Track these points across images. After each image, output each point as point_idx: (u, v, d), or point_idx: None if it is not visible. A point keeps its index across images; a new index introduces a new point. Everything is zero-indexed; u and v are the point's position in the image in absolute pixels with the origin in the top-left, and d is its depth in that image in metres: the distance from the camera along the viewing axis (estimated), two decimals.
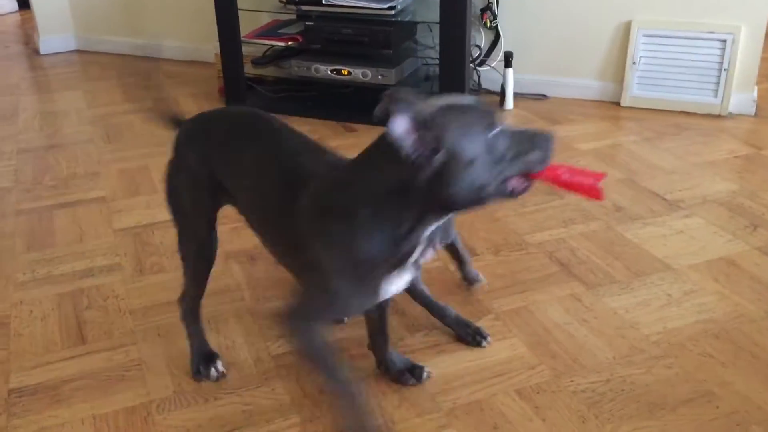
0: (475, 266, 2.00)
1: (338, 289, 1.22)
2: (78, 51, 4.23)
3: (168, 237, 2.21)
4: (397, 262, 1.21)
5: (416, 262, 1.25)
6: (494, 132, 1.10)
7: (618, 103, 3.18)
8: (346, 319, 1.78)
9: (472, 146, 1.08)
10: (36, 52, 4.23)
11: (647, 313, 1.81)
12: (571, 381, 1.59)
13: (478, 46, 3.29)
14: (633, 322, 1.78)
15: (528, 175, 1.16)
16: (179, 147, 1.56)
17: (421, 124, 1.06)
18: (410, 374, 1.59)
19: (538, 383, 1.59)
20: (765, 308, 1.81)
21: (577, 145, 2.81)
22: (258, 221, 1.42)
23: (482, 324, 1.78)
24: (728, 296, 1.86)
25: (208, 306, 1.87)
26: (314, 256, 1.21)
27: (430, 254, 1.61)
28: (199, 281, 1.60)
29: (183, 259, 1.59)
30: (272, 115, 1.48)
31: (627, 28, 3.09)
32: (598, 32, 3.16)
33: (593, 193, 1.18)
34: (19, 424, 1.51)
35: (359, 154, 1.19)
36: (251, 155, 1.39)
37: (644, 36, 3.06)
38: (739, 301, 1.84)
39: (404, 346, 1.71)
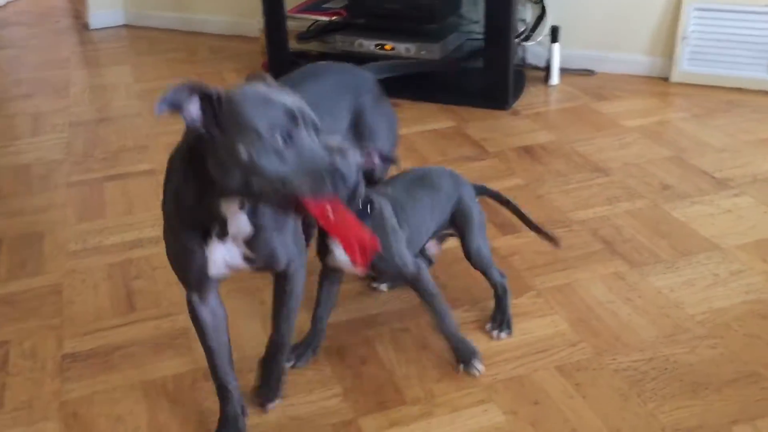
0: (517, 243, 1.99)
1: (166, 240, 1.34)
2: (126, 26, 4.29)
3: None
4: (210, 229, 1.24)
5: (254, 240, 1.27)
6: (283, 137, 1.07)
7: (667, 79, 3.11)
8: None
9: (247, 138, 1.07)
10: (86, 26, 4.31)
11: (693, 293, 1.79)
12: (613, 359, 1.58)
13: (524, 21, 3.24)
14: (678, 302, 1.76)
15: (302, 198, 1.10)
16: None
17: (211, 107, 1.09)
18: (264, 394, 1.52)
19: (579, 360, 1.59)
20: None
21: (623, 121, 2.77)
22: None
23: (523, 300, 1.78)
24: None
25: (252, 278, 1.91)
26: None
27: (435, 249, 1.67)
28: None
29: None
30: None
31: (678, 1, 3.01)
32: (648, 6, 3.08)
33: (353, 254, 1.14)
34: (72, 388, 1.57)
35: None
36: None
37: (696, 10, 2.98)
38: None
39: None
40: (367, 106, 1.69)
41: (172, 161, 1.28)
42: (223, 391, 1.43)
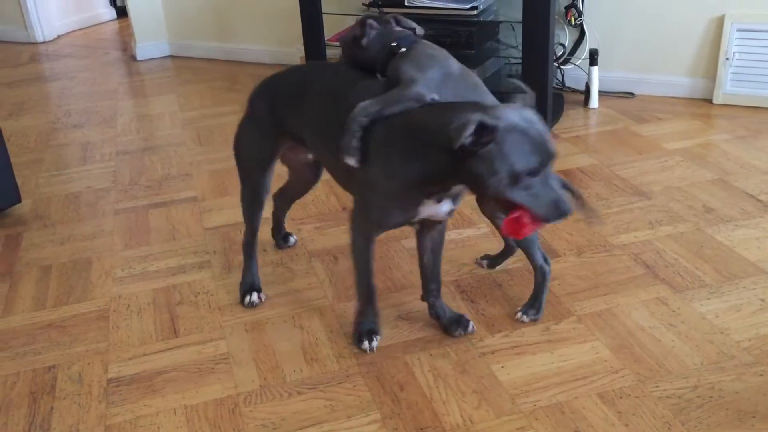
0: (557, 268, 1.98)
1: (382, 199, 1.54)
2: (171, 56, 4.42)
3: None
4: (429, 194, 1.51)
5: (451, 199, 1.55)
6: (534, 173, 1.33)
7: (710, 101, 3.06)
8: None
9: (503, 169, 1.33)
10: (133, 58, 4.44)
11: (738, 319, 1.75)
12: (656, 386, 1.55)
13: (562, 44, 3.24)
14: (723, 328, 1.72)
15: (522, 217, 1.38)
16: (250, 102, 1.85)
17: (483, 131, 1.31)
18: (457, 324, 1.75)
19: (621, 388, 1.56)
20: None
21: (665, 144, 2.73)
22: (325, 151, 1.67)
23: (563, 326, 1.76)
24: None
25: (292, 303, 1.93)
26: (370, 173, 1.51)
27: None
28: (253, 221, 1.94)
29: (242, 204, 1.94)
30: (334, 63, 1.77)
31: (719, 22, 2.98)
32: (688, 27, 3.05)
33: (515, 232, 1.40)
34: (117, 412, 1.60)
35: (435, 108, 1.46)
36: (320, 96, 1.66)
37: (738, 30, 2.94)
38: None
39: (483, 346, 1.71)
40: None
41: (416, 139, 1.45)
42: (371, 295, 1.72)
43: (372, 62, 1.63)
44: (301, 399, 1.60)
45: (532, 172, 1.33)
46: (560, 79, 3.29)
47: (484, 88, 1.60)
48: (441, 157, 1.39)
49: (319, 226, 2.33)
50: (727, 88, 3.02)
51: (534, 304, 1.79)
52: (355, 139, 1.49)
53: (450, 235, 2.22)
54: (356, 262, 1.69)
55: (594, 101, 3.14)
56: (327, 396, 1.60)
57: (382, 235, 2.22)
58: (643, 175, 2.51)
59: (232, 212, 2.46)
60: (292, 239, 2.23)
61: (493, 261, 2.03)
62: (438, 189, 1.49)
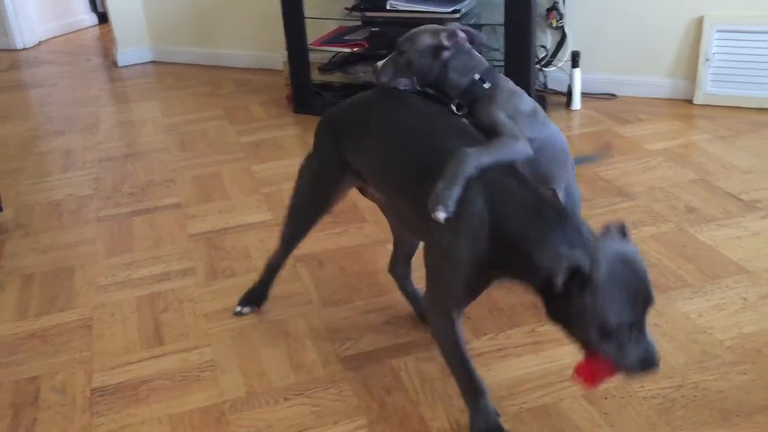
0: None
1: (461, 277, 1.33)
2: (153, 62, 4.39)
3: (239, 241, 2.28)
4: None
5: None
6: (629, 326, 1.18)
7: (690, 101, 3.09)
8: None
9: (596, 321, 1.17)
10: (114, 64, 4.42)
11: (721, 318, 1.76)
12: (641, 387, 1.56)
13: (544, 47, 3.26)
14: (706, 327, 1.73)
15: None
16: (316, 135, 1.67)
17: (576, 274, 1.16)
18: None
19: (606, 389, 1.57)
20: None
21: (647, 145, 2.75)
22: (396, 195, 1.48)
23: (549, 328, 1.77)
24: None
25: (276, 309, 1.93)
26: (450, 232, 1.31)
27: None
28: (289, 247, 1.83)
29: (284, 227, 1.80)
30: (411, 95, 1.52)
31: (699, 23, 3.01)
32: (668, 29, 3.08)
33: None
34: (101, 422, 1.59)
35: (528, 213, 1.27)
36: (390, 131, 1.46)
37: (718, 31, 2.97)
38: None
39: (469, 349, 1.71)
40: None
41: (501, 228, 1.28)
42: (479, 389, 1.44)
43: (447, 88, 1.47)
44: (288, 405, 1.59)
45: (627, 325, 1.18)
46: (543, 81, 3.31)
47: (544, 115, 1.54)
48: (527, 270, 1.24)
49: None
50: (708, 89, 3.05)
51: None
52: (457, 189, 1.29)
53: None
54: (445, 353, 1.44)
55: (576, 103, 3.16)
56: (313, 402, 1.59)
57: (369, 238, 2.24)
58: (626, 175, 2.52)
59: (217, 218, 2.45)
60: None
61: None
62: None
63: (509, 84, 1.50)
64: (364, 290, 1.99)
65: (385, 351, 1.73)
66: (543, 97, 3.23)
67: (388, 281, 2.02)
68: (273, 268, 1.89)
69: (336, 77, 3.42)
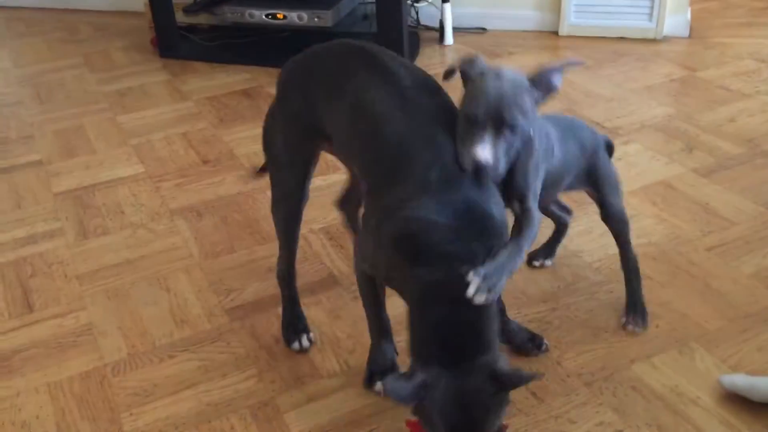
0: None
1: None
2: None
3: (110, 197, 2.17)
4: None
5: None
6: None
7: (556, 33, 3.18)
8: None
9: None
10: None
11: (589, 241, 1.86)
12: (519, 312, 1.63)
13: None
14: (576, 251, 1.83)
15: None
16: (280, 88, 1.47)
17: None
18: (531, 343, 1.53)
19: None
20: (700, 228, 1.88)
21: None
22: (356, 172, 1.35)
23: None
24: (666, 219, 1.92)
25: (156, 265, 1.86)
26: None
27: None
28: (289, 241, 1.55)
29: (274, 216, 1.55)
30: (383, 49, 1.34)
31: None
32: None
33: None
34: None
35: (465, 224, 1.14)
36: (364, 115, 1.26)
37: None
38: (676, 223, 1.90)
39: (354, 290, 1.72)
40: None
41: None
42: (386, 330, 1.44)
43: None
44: (173, 362, 1.56)
45: None
46: (415, 17, 3.30)
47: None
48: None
49: (179, 182, 2.24)
50: (572, 20, 3.14)
51: (632, 308, 1.58)
52: (504, 281, 1.14)
53: (316, 181, 2.21)
54: (361, 293, 1.40)
55: (449, 38, 3.18)
56: (200, 357, 1.57)
57: (248, 186, 2.18)
58: None
59: (84, 174, 2.31)
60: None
61: (548, 252, 1.78)
62: None
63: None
64: (246, 239, 1.95)
65: (270, 300, 1.72)
66: (416, 33, 3.23)
67: (271, 229, 1.98)
68: (284, 280, 1.61)
69: (203, 18, 3.26)
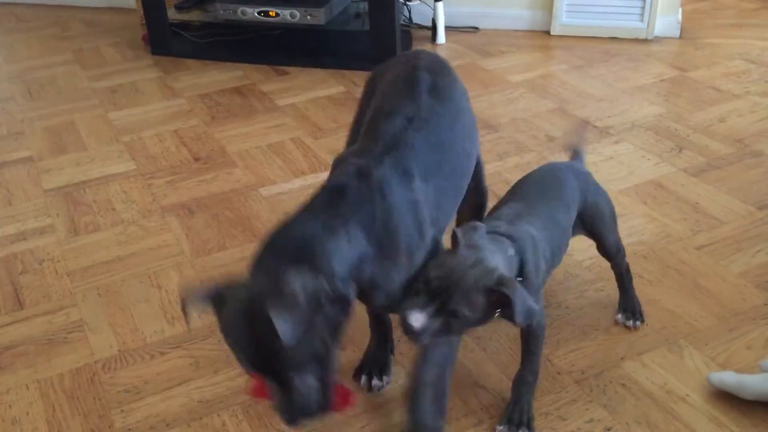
0: None
1: None
2: None
3: (101, 194, 2.17)
4: None
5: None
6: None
7: (548, 32, 3.19)
8: None
9: None
10: None
11: (580, 240, 1.85)
12: None
13: None
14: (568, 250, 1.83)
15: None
16: (364, 87, 1.55)
17: None
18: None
19: None
20: (690, 227, 1.89)
21: (509, 77, 2.83)
22: None
23: None
24: (656, 218, 1.94)
25: (147, 262, 1.86)
26: None
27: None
28: None
29: None
30: (447, 68, 1.46)
31: None
32: None
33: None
34: None
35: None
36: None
37: None
38: (666, 222, 1.92)
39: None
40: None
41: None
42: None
43: None
44: (164, 360, 1.56)
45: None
46: (407, 15, 3.30)
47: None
48: None
49: (170, 179, 2.24)
50: (563, 20, 3.16)
51: (633, 305, 1.59)
52: None
53: (308, 179, 2.21)
54: None
55: (441, 37, 3.19)
56: (191, 354, 1.57)
57: (240, 183, 2.18)
58: (491, 108, 2.59)
59: (74, 171, 2.31)
60: None
61: None
62: None
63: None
64: (238, 236, 1.95)
65: None
66: (408, 31, 3.24)
67: (263, 226, 1.99)
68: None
69: (195, 15, 3.25)
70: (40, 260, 1.89)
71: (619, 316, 1.59)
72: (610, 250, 1.55)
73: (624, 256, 1.58)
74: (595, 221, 1.50)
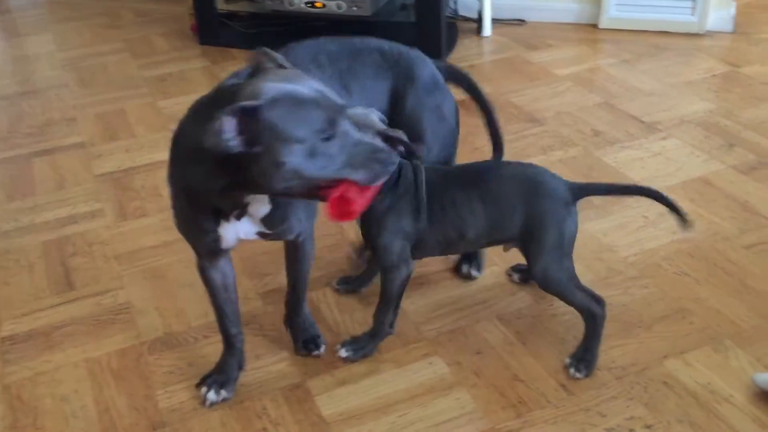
0: None
1: (176, 214, 1.32)
2: None
3: (149, 180, 2.21)
4: (227, 213, 1.25)
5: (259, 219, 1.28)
6: (325, 136, 1.08)
7: (596, 26, 3.15)
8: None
9: (290, 149, 1.06)
10: None
11: (624, 236, 1.85)
12: (550, 305, 1.63)
13: None
14: (611, 245, 1.82)
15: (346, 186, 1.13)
16: None
17: (246, 119, 1.05)
18: (312, 344, 1.54)
19: (518, 309, 1.63)
20: (738, 226, 1.85)
21: (555, 70, 2.80)
22: None
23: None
24: (703, 215, 1.90)
25: (189, 248, 1.89)
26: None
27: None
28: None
29: None
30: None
31: None
32: None
33: (331, 209, 1.15)
34: (14, 371, 1.55)
35: (202, 102, 1.19)
36: None
37: None
38: (714, 220, 1.88)
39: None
40: (409, 95, 1.50)
41: (181, 146, 1.24)
42: (227, 341, 1.46)
43: None
44: (208, 343, 1.59)
45: (324, 133, 1.08)
46: (453, 7, 3.29)
47: None
48: (207, 168, 1.13)
49: None
50: (612, 13, 3.10)
51: (583, 357, 1.45)
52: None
53: None
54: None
55: (487, 29, 3.16)
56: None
57: None
58: (536, 101, 2.57)
59: (124, 157, 2.36)
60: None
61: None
62: (225, 205, 1.24)
63: None
64: None
65: None
66: (454, 24, 3.22)
67: None
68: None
69: (242, 6, 3.29)
70: (90, 243, 1.94)
71: (567, 360, 1.47)
72: (534, 276, 1.44)
73: (584, 298, 1.44)
74: (529, 239, 1.41)
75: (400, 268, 1.43)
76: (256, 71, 1.17)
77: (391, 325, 1.51)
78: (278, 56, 1.19)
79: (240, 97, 1.08)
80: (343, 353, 1.51)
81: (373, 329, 1.52)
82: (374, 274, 1.68)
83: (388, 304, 1.48)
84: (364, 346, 1.52)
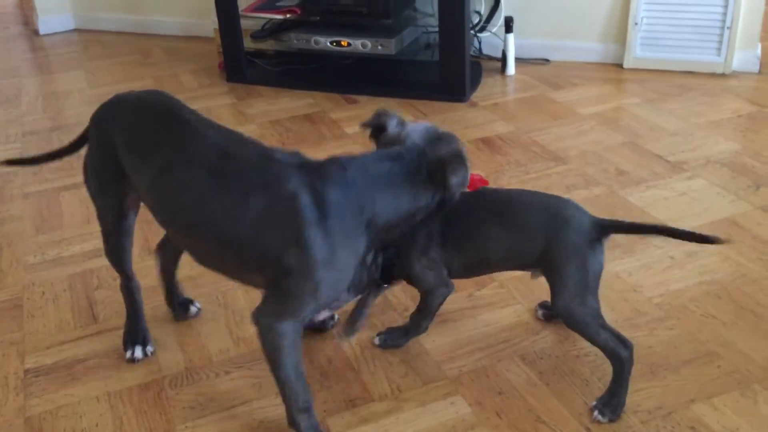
0: None
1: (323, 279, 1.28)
2: (77, 30, 4.22)
3: None
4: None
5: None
6: None
7: (621, 65, 3.16)
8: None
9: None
10: (35, 32, 4.22)
11: (650, 276, 1.82)
12: (574, 345, 1.61)
13: (478, 12, 3.26)
14: (635, 285, 1.79)
15: None
16: (90, 129, 1.61)
17: None
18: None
19: (542, 348, 1.61)
20: (767, 267, 1.82)
21: (579, 109, 2.80)
22: (188, 225, 1.34)
23: (486, 292, 1.80)
24: (731, 257, 1.87)
25: (213, 282, 1.90)
26: (297, 254, 1.25)
27: None
28: (123, 266, 1.66)
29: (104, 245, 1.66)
30: (181, 104, 1.50)
31: None
32: None
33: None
34: (36, 403, 1.55)
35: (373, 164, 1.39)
36: (170, 150, 1.37)
37: None
38: (742, 261, 1.85)
39: (409, 317, 1.73)
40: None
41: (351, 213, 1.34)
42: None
43: None
44: (229, 378, 1.59)
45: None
46: (477, 47, 3.32)
47: None
48: None
49: None
50: (637, 53, 3.11)
51: (609, 401, 1.41)
52: None
53: None
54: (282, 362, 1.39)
55: (511, 68, 3.19)
56: (254, 374, 1.59)
57: None
58: (560, 140, 2.57)
59: None
60: (194, 308, 1.78)
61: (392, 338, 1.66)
62: None
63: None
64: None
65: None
66: (478, 63, 3.25)
67: None
68: (125, 292, 1.69)
69: (269, 45, 3.35)
70: (115, 277, 1.95)
71: (594, 402, 1.44)
72: (557, 312, 1.45)
73: (609, 339, 1.40)
74: (551, 272, 1.42)
75: (440, 288, 1.54)
76: (376, 131, 1.37)
77: (426, 327, 1.61)
78: (397, 115, 1.36)
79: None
80: (376, 341, 1.64)
81: (408, 327, 1.63)
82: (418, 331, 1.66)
83: (426, 315, 1.59)
84: (397, 339, 1.64)
